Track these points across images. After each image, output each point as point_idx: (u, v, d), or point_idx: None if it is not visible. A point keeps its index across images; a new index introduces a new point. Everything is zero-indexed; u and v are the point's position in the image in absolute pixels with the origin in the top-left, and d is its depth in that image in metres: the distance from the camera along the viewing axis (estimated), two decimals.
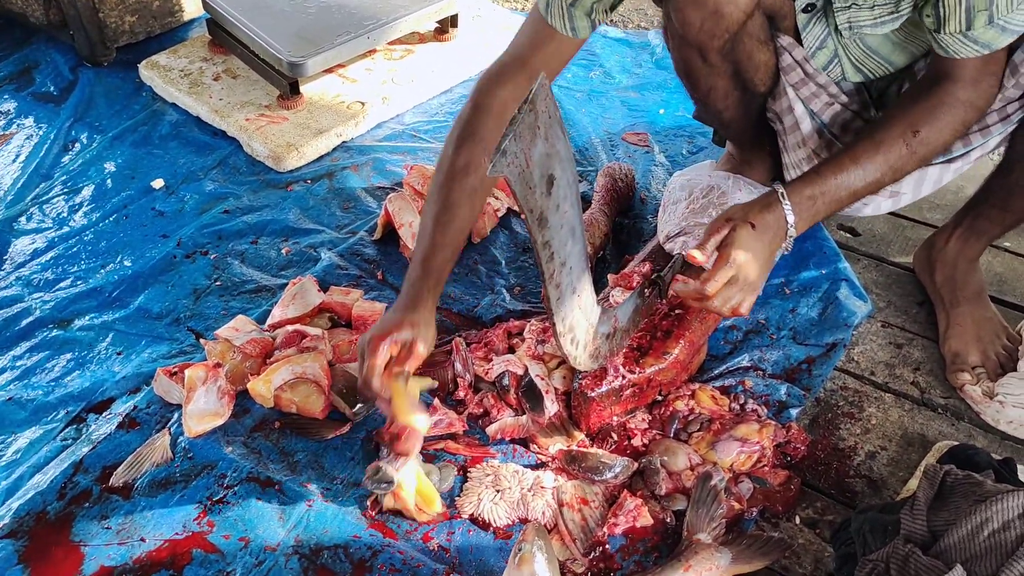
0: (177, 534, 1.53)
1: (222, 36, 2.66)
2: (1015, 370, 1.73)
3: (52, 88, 2.70)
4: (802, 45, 1.68)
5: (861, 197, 1.55)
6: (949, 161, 1.70)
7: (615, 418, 1.68)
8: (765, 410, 1.70)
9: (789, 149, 1.84)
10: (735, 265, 1.46)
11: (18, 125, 2.56)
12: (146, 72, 2.67)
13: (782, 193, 1.50)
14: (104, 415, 1.75)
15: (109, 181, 2.36)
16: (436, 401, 1.70)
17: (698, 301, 1.50)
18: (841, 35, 1.61)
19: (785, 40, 1.69)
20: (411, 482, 1.50)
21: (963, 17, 1.39)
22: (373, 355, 1.49)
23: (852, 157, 1.52)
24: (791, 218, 1.49)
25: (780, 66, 1.73)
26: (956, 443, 1.58)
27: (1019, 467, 1.47)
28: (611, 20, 3.14)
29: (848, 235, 2.13)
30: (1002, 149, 1.71)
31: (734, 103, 1.82)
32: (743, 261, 1.47)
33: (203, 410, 1.69)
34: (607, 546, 1.50)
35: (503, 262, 2.07)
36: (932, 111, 1.51)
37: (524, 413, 1.68)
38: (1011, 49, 1.49)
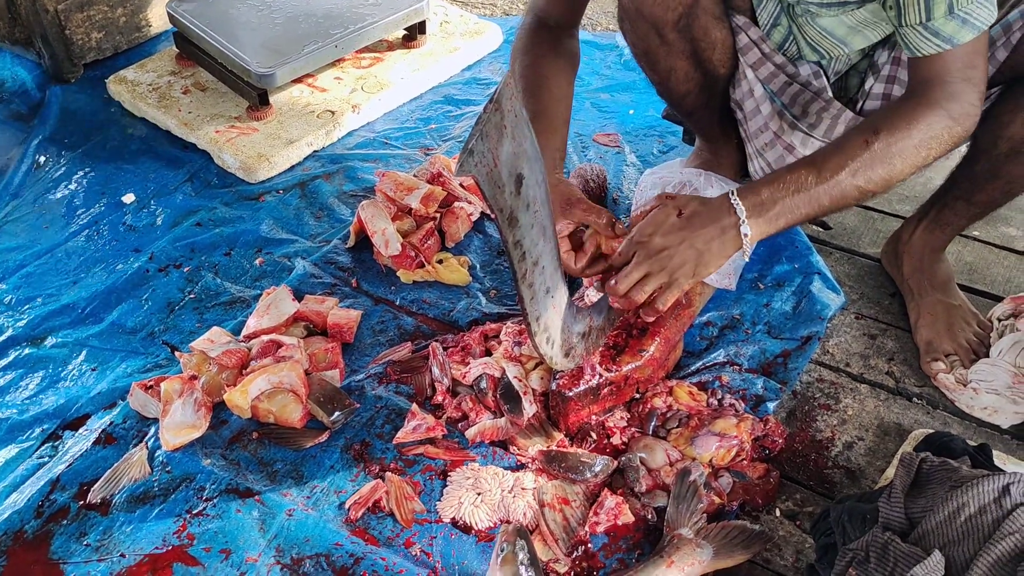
0: (157, 548, 1.52)
1: (189, 49, 2.65)
2: (987, 356, 1.74)
3: (19, 106, 2.69)
4: (757, 25, 1.68)
5: (825, 203, 1.44)
6: None
7: (593, 417, 1.68)
8: (742, 404, 1.71)
9: (752, 136, 1.84)
10: (635, 242, 1.43)
11: None
12: (114, 87, 2.65)
13: (732, 192, 1.44)
14: (80, 431, 1.73)
15: (80, 198, 2.34)
16: (414, 406, 1.70)
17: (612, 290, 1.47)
18: (795, 13, 1.62)
19: (741, 20, 1.70)
20: None
21: (922, 6, 1.39)
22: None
23: (809, 159, 1.47)
24: (744, 223, 1.42)
25: (737, 47, 1.73)
26: (932, 431, 1.59)
27: (994, 452, 1.49)
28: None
29: (819, 229, 2.14)
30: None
31: (696, 87, 1.80)
32: (646, 238, 1.42)
33: (180, 423, 1.68)
34: (589, 545, 1.50)
35: (478, 265, 2.07)
36: (897, 111, 1.46)
37: (503, 415, 1.68)
38: None
